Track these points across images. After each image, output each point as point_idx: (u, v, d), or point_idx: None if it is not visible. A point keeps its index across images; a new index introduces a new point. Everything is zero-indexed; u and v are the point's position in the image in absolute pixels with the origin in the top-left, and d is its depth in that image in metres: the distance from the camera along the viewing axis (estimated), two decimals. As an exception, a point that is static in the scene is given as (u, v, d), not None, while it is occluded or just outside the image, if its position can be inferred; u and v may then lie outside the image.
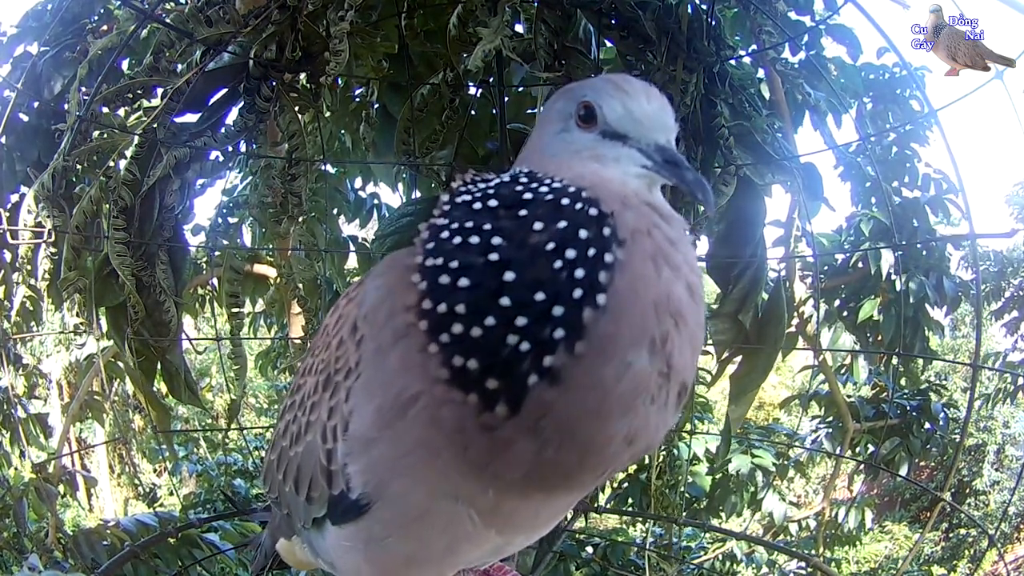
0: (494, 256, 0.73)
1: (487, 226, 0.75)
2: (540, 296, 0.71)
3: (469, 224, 0.76)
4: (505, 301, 0.71)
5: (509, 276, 0.71)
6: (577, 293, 0.71)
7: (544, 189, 0.79)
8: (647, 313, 0.74)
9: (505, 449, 0.75)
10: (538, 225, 0.74)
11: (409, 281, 0.77)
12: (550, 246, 0.72)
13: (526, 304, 0.71)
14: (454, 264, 0.74)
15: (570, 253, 0.72)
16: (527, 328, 0.70)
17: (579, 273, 0.71)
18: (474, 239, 0.75)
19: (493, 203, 0.78)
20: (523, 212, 0.76)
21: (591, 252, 0.72)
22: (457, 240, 0.75)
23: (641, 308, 0.73)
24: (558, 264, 0.72)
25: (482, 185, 0.83)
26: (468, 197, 0.81)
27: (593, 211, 0.75)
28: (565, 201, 0.76)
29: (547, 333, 0.70)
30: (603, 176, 0.82)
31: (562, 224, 0.74)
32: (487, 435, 0.74)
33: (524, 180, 0.82)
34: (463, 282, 0.73)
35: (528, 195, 0.78)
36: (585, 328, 0.71)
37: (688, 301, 0.77)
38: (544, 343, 0.70)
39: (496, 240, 0.74)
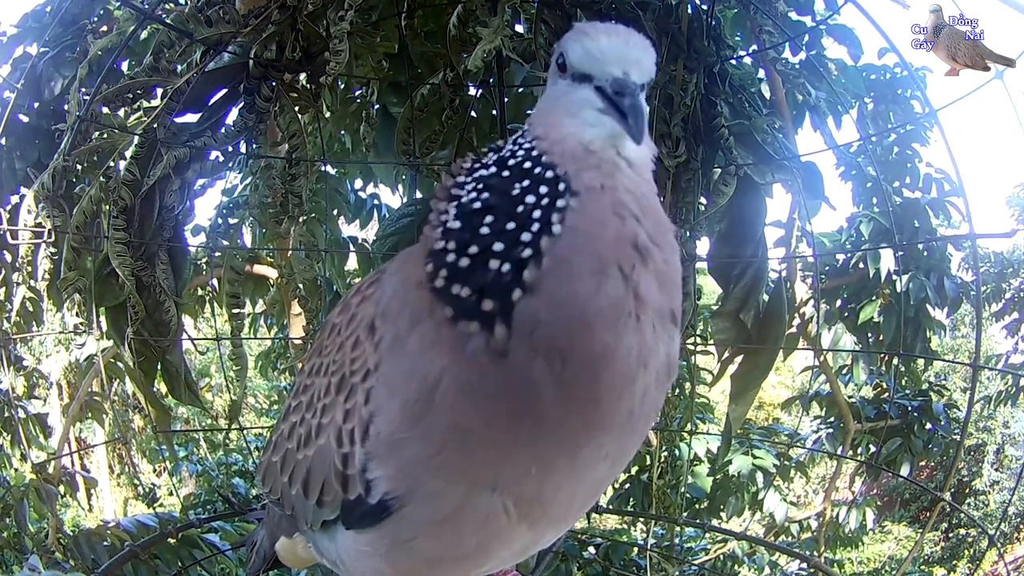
0: (477, 204, 0.85)
1: (480, 185, 0.88)
2: (511, 225, 0.82)
3: (481, 187, 0.88)
4: (484, 230, 0.83)
5: (488, 218, 0.84)
6: (535, 227, 0.82)
7: (520, 153, 0.89)
8: (605, 247, 0.82)
9: (525, 380, 0.79)
10: (516, 185, 0.86)
11: (421, 262, 0.85)
12: (515, 191, 0.85)
13: (501, 231, 0.82)
14: (447, 216, 0.87)
15: (530, 199, 0.83)
16: (504, 252, 0.81)
17: (536, 213, 0.82)
18: (466, 197, 0.87)
19: (483, 172, 0.89)
20: (505, 173, 0.88)
21: (545, 201, 0.83)
22: (473, 203, 0.86)
23: (599, 240, 0.82)
24: (521, 208, 0.83)
25: (493, 154, 0.93)
26: (483, 173, 0.90)
27: (550, 173, 0.85)
28: (527, 165, 0.87)
29: (518, 252, 0.81)
30: (564, 132, 0.88)
31: (526, 182, 0.85)
32: (503, 370, 0.79)
33: (511, 147, 0.92)
34: (454, 224, 0.85)
35: (512, 160, 0.89)
36: (542, 252, 0.80)
37: (649, 243, 0.84)
38: (518, 260, 0.80)
39: (484, 194, 0.86)
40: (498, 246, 0.81)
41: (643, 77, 0.88)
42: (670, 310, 0.87)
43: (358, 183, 3.95)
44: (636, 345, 0.82)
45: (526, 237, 0.81)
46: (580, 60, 0.89)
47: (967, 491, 10.69)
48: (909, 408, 4.42)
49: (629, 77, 0.86)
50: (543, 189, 0.84)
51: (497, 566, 1.05)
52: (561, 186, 0.84)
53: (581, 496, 0.99)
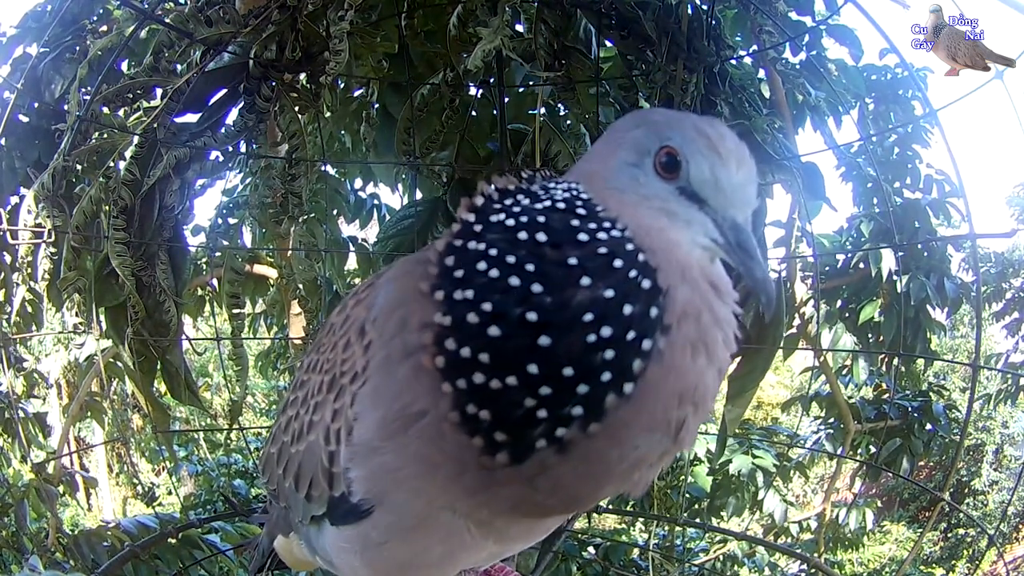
0: (532, 316, 0.67)
1: (530, 267, 0.68)
2: (569, 371, 0.67)
3: (511, 260, 0.69)
4: (533, 369, 0.67)
5: (544, 341, 0.66)
6: (605, 376, 0.67)
7: (602, 236, 0.71)
8: (670, 403, 0.72)
9: (498, 486, 0.76)
10: (585, 281, 0.68)
11: (426, 294, 0.73)
12: (588, 317, 0.67)
13: (553, 376, 0.67)
14: (487, 306, 0.68)
15: (606, 331, 0.67)
16: (548, 398, 0.67)
17: (610, 355, 0.67)
18: (514, 281, 0.68)
19: (542, 237, 0.70)
20: (573, 261, 0.69)
21: (630, 336, 0.68)
22: (494, 274, 0.69)
23: (665, 399, 0.71)
24: (592, 339, 0.67)
25: (526, 203, 0.75)
26: (511, 221, 0.72)
27: (647, 283, 0.70)
28: (618, 263, 0.69)
29: (567, 408, 0.68)
30: (670, 238, 0.76)
31: (609, 293, 0.68)
32: (483, 472, 0.74)
33: (581, 211, 0.74)
34: (493, 331, 0.68)
35: (584, 236, 0.71)
36: (605, 412, 0.68)
37: (713, 387, 0.76)
38: (561, 417, 0.68)
39: (537, 288, 0.67)
40: (545, 390, 0.67)
41: (749, 220, 0.80)
42: (684, 448, 0.79)
43: (358, 183, 3.95)
44: (632, 486, 0.79)
45: (583, 389, 0.67)
46: (703, 183, 0.77)
47: (966, 491, 10.70)
48: (909, 409, 4.42)
49: (747, 224, 0.79)
50: (628, 310, 0.67)
51: (469, 567, 1.07)
52: (654, 311, 0.68)
53: (540, 530, 1.01)
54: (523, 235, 0.71)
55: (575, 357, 0.66)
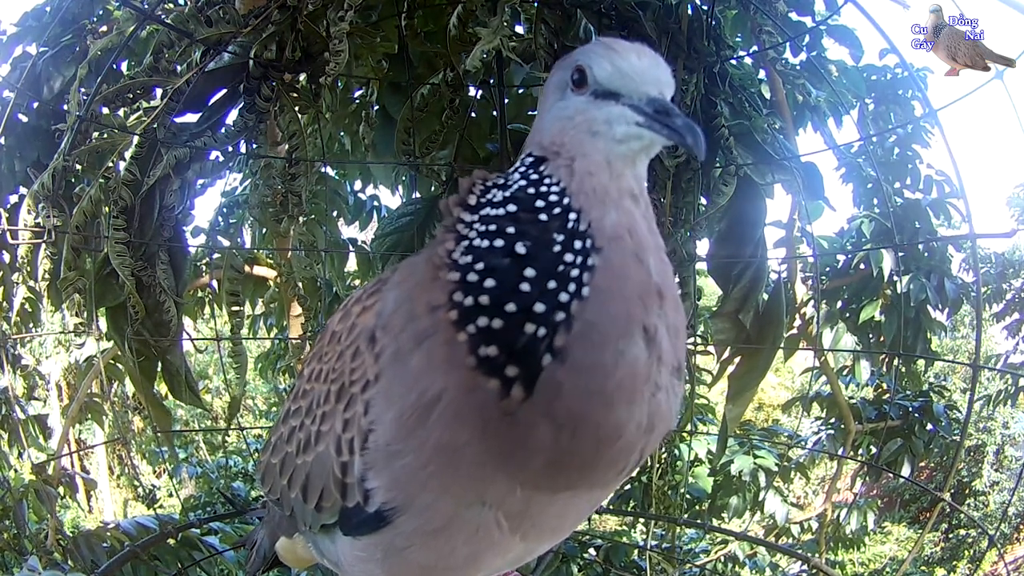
0: (521, 248, 0.81)
1: (511, 229, 0.82)
2: (552, 284, 0.78)
3: (493, 228, 0.83)
4: (526, 287, 0.79)
5: (530, 271, 0.79)
6: (572, 287, 0.79)
7: (554, 199, 0.85)
8: (633, 305, 0.80)
9: (524, 435, 0.79)
10: (555, 236, 0.82)
11: (431, 283, 0.83)
12: (556, 246, 0.81)
13: (543, 292, 0.78)
14: (480, 266, 0.81)
15: (569, 256, 0.80)
16: (543, 315, 0.78)
17: (574, 272, 0.80)
18: (499, 242, 0.82)
19: (512, 208, 0.85)
20: (543, 217, 0.83)
21: (580, 259, 0.81)
22: (485, 243, 0.82)
23: (628, 301, 0.80)
24: (562, 266, 0.80)
25: (500, 191, 0.88)
26: (492, 211, 0.85)
27: (583, 226, 0.82)
28: (557, 211, 0.84)
29: (555, 316, 0.78)
30: (592, 160, 0.85)
31: (561, 236, 0.82)
32: (507, 421, 0.78)
33: (534, 177, 0.88)
34: (489, 282, 0.80)
35: (540, 202, 0.85)
36: (573, 315, 0.78)
37: (665, 292, 0.83)
38: (555, 325, 0.78)
39: (519, 244, 0.81)
40: (539, 307, 0.78)
41: (669, 97, 0.87)
42: (679, 362, 0.86)
43: (357, 184, 3.95)
44: (648, 416, 0.82)
45: (564, 298, 0.78)
46: (609, 77, 0.86)
47: (967, 492, 10.68)
48: (910, 409, 4.41)
49: (663, 96, 0.85)
50: (577, 244, 0.81)
51: (494, 572, 1.05)
52: (588, 242, 0.81)
53: (573, 514, 1.00)
54: (501, 211, 0.85)
55: (553, 273, 0.79)
